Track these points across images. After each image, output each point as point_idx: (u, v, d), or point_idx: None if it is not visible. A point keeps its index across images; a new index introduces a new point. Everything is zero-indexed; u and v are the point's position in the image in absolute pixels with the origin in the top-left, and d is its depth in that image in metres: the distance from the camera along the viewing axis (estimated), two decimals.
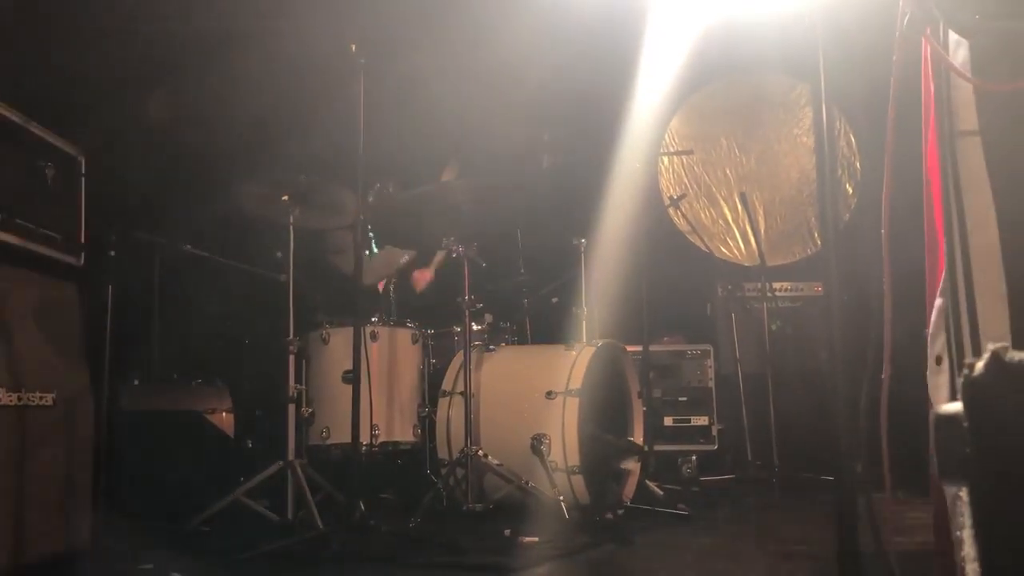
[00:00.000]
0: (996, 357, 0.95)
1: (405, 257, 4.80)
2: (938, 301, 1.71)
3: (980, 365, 0.96)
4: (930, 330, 1.71)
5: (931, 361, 1.71)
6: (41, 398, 2.64)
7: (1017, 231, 1.65)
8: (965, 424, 0.95)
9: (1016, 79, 1.62)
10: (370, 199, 4.33)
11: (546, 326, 5.07)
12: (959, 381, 0.97)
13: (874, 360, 1.65)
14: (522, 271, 4.93)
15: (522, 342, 4.90)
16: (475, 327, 4.39)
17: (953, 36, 1.68)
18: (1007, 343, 1.66)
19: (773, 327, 5.39)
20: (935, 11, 1.65)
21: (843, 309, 1.79)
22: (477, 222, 4.06)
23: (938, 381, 1.65)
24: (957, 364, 1.65)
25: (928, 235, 1.77)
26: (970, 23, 1.60)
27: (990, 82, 1.64)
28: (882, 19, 1.81)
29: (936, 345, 1.71)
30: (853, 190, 6.27)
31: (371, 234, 4.72)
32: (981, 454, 0.93)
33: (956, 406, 0.97)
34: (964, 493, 0.96)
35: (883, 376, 1.73)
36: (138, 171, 4.34)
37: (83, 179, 2.98)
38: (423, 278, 4.88)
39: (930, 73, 1.75)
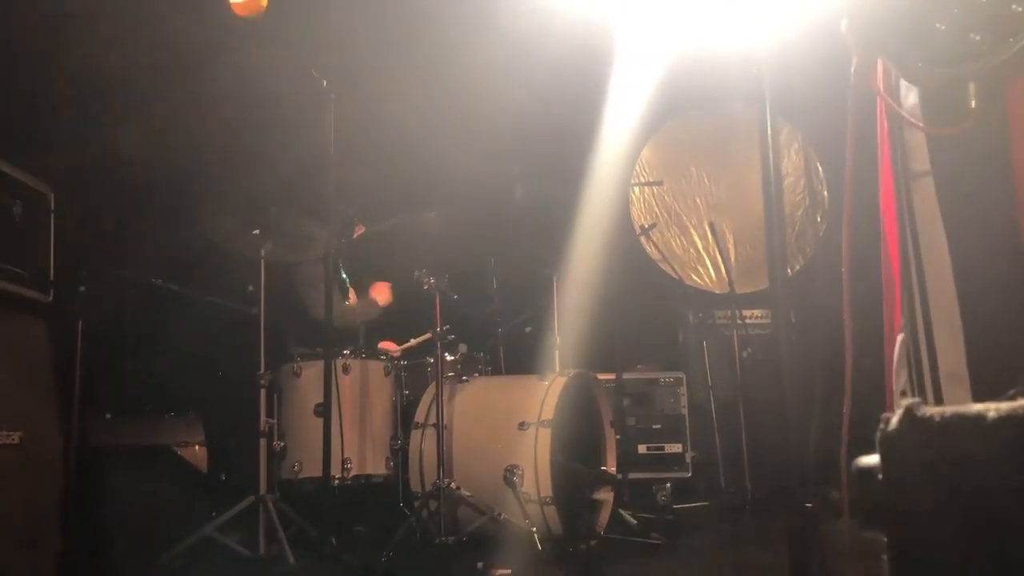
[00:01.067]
0: (909, 412, 0.99)
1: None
2: (900, 336, 1.75)
3: (894, 420, 1.00)
4: (894, 365, 1.75)
5: (897, 395, 1.75)
6: (8, 436, 2.63)
7: (970, 266, 1.71)
8: (880, 476, 0.99)
9: (960, 121, 1.68)
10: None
11: (519, 356, 5.08)
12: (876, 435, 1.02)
13: (824, 390, 1.69)
14: (495, 301, 4.94)
15: (495, 372, 4.90)
16: (448, 358, 4.39)
17: (904, 82, 1.74)
18: (964, 377, 1.71)
19: (744, 354, 5.43)
20: (883, 57, 1.71)
21: (793, 341, 1.83)
22: (449, 253, 4.08)
23: None
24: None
25: (884, 269, 1.82)
26: (916, 69, 1.66)
27: (937, 127, 1.70)
28: (843, 51, 1.87)
29: (900, 379, 1.75)
30: (821, 218, 6.35)
31: (344, 275, 4.70)
32: (895, 506, 0.97)
33: (874, 458, 1.01)
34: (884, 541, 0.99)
35: (844, 410, 1.77)
36: (108, 206, 4.34)
37: (52, 215, 2.99)
38: (383, 292, 4.80)
39: (884, 115, 1.81)
